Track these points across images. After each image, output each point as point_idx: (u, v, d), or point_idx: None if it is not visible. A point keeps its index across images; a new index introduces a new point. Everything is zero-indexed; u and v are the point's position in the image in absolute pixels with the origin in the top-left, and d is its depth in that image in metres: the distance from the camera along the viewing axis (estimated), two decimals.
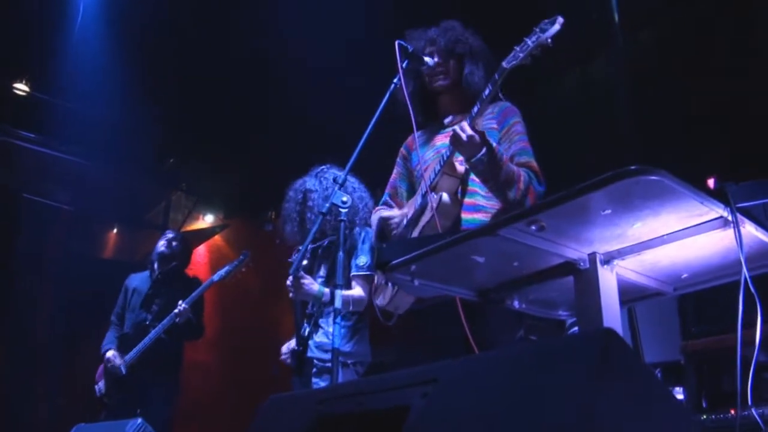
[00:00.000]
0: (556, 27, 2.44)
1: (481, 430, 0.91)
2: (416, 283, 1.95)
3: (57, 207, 7.75)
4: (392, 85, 2.86)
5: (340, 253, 2.63)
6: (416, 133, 3.04)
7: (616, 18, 5.70)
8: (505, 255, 1.83)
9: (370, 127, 2.78)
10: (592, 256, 1.82)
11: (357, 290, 3.77)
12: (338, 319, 2.54)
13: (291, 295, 3.61)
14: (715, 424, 2.83)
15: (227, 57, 6.28)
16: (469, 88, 2.92)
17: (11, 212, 7.36)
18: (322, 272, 3.92)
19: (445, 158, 2.74)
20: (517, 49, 2.53)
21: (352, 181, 3.99)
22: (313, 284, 3.62)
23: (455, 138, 2.60)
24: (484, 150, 2.59)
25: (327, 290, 3.61)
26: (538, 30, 2.48)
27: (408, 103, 2.81)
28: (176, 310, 4.95)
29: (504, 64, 2.56)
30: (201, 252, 9.28)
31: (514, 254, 1.82)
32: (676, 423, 1.03)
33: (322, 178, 4.09)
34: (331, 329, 3.81)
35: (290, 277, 3.53)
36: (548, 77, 6.20)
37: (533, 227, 1.64)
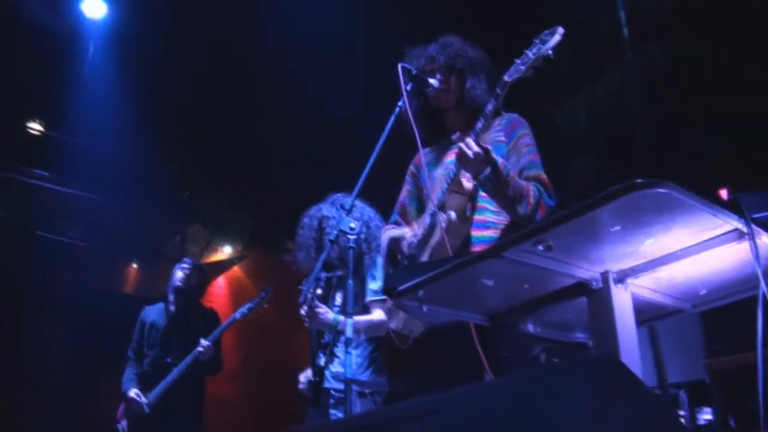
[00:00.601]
0: (557, 38, 2.41)
1: None
2: (425, 309, 1.90)
3: (70, 243, 7.77)
4: (396, 108, 2.82)
5: (350, 281, 2.59)
6: (424, 150, 3.01)
7: (626, 32, 5.67)
8: (515, 277, 1.77)
9: (375, 152, 2.75)
10: (605, 275, 1.76)
11: (376, 314, 3.72)
12: (350, 348, 2.48)
13: (306, 324, 3.57)
14: None
15: (240, 89, 6.32)
16: (472, 102, 2.88)
17: (24, 250, 7.39)
18: (338, 301, 3.87)
19: (452, 176, 2.70)
20: (518, 61, 2.50)
21: (361, 207, 3.95)
22: (328, 313, 3.58)
23: (461, 155, 2.55)
24: (490, 167, 2.54)
25: (342, 318, 3.56)
26: (538, 41, 2.45)
27: (413, 125, 2.77)
28: (199, 348, 4.91)
29: (506, 77, 2.53)
30: (221, 284, 9.28)
31: (523, 276, 1.76)
32: None
33: (338, 205, 4.06)
34: (348, 359, 3.78)
35: (305, 307, 3.49)
36: (559, 93, 6.17)
37: (540, 247, 1.58)
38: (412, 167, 3.19)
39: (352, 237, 2.65)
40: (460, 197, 2.72)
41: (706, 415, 3.49)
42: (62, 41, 5.97)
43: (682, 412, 3.48)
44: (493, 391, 1.02)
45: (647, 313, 2.08)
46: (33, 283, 7.39)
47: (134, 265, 9.16)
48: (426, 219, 2.83)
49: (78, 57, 6.09)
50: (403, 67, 2.83)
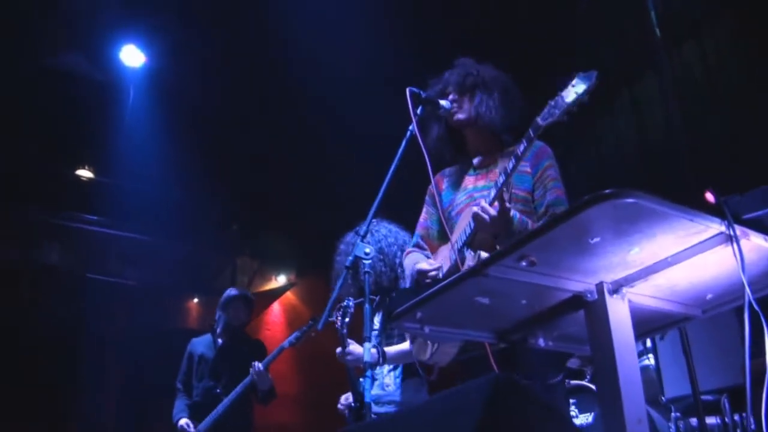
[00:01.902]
0: (593, 82, 2.36)
1: None
2: (426, 330, 1.92)
3: (122, 284, 8.01)
4: (408, 133, 2.86)
5: (366, 306, 2.62)
6: (444, 172, 3.05)
7: (658, 33, 5.59)
8: (509, 294, 1.78)
9: (388, 177, 2.78)
10: (600, 287, 1.75)
11: (407, 344, 3.74)
12: (369, 373, 2.51)
13: (340, 359, 3.64)
14: None
15: (281, 117, 6.45)
16: (483, 120, 2.89)
17: (79, 293, 7.64)
18: (377, 325, 3.91)
19: (468, 233, 2.71)
20: (552, 104, 2.42)
21: (377, 230, 3.97)
22: (358, 352, 3.64)
23: (477, 219, 2.58)
24: (507, 226, 2.56)
25: (375, 351, 3.58)
26: (573, 84, 2.37)
27: (424, 150, 2.80)
28: (253, 371, 4.99)
29: (540, 121, 2.47)
30: (276, 311, 9.41)
31: (517, 292, 1.77)
32: None
33: (374, 231, 4.09)
34: (386, 380, 3.80)
35: (338, 351, 3.57)
36: (598, 103, 6.12)
37: (523, 263, 1.60)
38: (432, 188, 3.21)
39: (367, 262, 2.69)
40: (487, 235, 2.72)
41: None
42: (104, 90, 6.23)
43: (727, 420, 3.40)
44: (407, 417, 1.04)
45: (657, 322, 2.06)
46: (88, 324, 7.62)
47: (193, 300, 9.39)
48: (451, 255, 2.83)
49: (120, 104, 6.33)
50: (411, 92, 2.87)
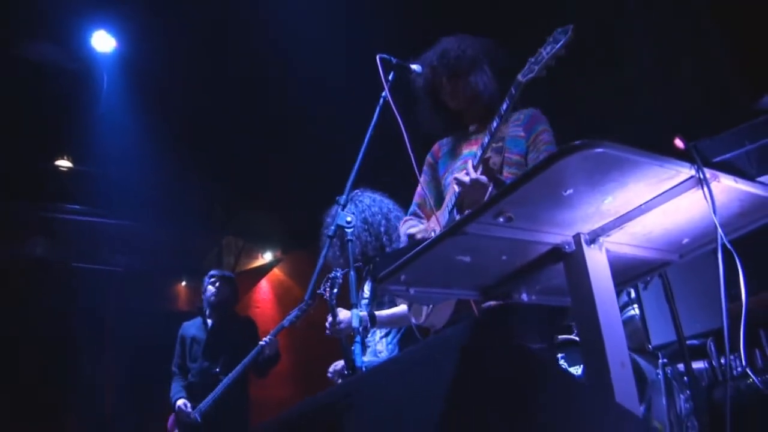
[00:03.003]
0: (569, 35, 2.39)
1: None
2: (412, 291, 1.95)
3: (111, 271, 8.01)
4: (381, 99, 2.87)
5: (352, 273, 2.65)
6: (444, 141, 3.06)
7: None
8: (490, 250, 1.81)
9: (364, 145, 2.81)
10: (577, 237, 1.79)
11: (401, 306, 3.77)
12: (358, 338, 2.55)
13: (329, 333, 3.67)
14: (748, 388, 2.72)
15: (260, 96, 6.41)
16: (479, 97, 2.92)
17: (67, 283, 7.64)
18: (366, 294, 3.94)
19: (453, 202, 2.74)
20: (532, 60, 2.46)
21: (369, 198, 3.98)
22: (349, 320, 3.66)
23: (460, 184, 2.60)
24: (491, 189, 2.58)
25: (363, 313, 3.62)
26: (551, 40, 2.41)
27: (398, 116, 2.82)
28: (264, 341, 5.01)
29: (520, 77, 2.50)
30: (264, 288, 9.45)
31: (497, 248, 1.80)
32: (569, 400, 1.00)
33: (357, 202, 4.10)
34: (379, 347, 3.84)
35: (328, 323, 3.59)
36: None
37: (501, 219, 1.62)
38: (429, 158, 3.21)
39: (349, 230, 2.72)
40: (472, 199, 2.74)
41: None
42: (77, 78, 6.16)
43: (714, 363, 3.46)
44: (389, 368, 1.08)
45: (637, 269, 2.10)
46: (78, 313, 7.63)
47: (181, 283, 9.41)
48: (444, 217, 2.87)
49: (95, 91, 6.27)
50: (381, 58, 2.88)
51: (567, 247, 1.80)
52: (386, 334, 3.86)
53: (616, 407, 1.23)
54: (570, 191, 1.55)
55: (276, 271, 9.50)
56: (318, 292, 3.63)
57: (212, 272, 5.65)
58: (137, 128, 6.36)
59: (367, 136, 2.82)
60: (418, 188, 3.24)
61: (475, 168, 2.62)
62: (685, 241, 1.97)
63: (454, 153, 3.07)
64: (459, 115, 3.11)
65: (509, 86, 2.57)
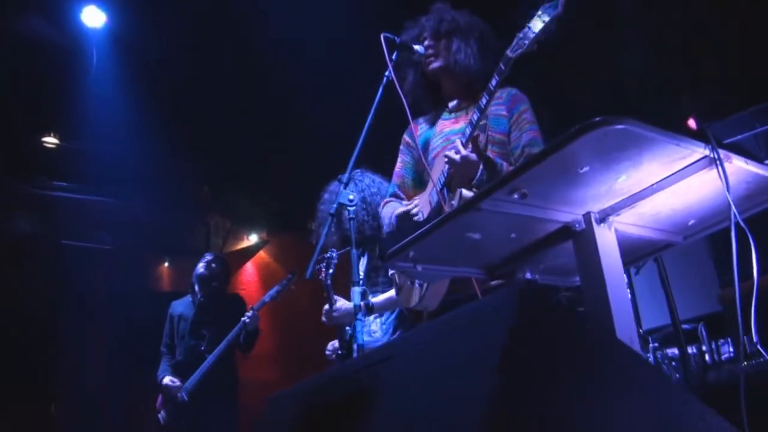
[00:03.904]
0: (559, 10, 2.39)
1: (428, 398, 0.91)
2: (419, 268, 1.95)
3: (99, 249, 7.96)
4: (384, 79, 2.87)
5: (353, 251, 2.66)
6: (419, 120, 3.04)
7: None
8: (500, 228, 1.82)
9: (366, 124, 2.80)
10: (587, 216, 1.80)
11: (393, 292, 3.78)
12: (360, 315, 2.55)
13: (325, 322, 3.68)
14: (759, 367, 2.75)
15: (251, 76, 6.36)
16: (458, 65, 2.91)
17: (54, 261, 7.58)
18: (361, 274, 3.95)
19: (442, 181, 2.74)
20: (521, 35, 2.46)
21: (361, 179, 4.00)
22: (345, 303, 3.67)
23: (451, 162, 2.60)
24: (481, 167, 2.59)
25: (361, 303, 3.63)
26: (540, 14, 2.41)
27: (401, 95, 2.82)
28: (246, 316, 5.06)
29: (509, 53, 2.50)
30: (249, 270, 9.42)
31: (507, 226, 1.81)
32: (624, 370, 1.01)
33: (357, 181, 4.11)
34: (373, 327, 3.85)
35: (325, 311, 3.61)
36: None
37: (515, 195, 1.63)
38: (406, 137, 3.22)
39: (351, 208, 2.72)
40: (462, 177, 2.74)
41: (730, 348, 3.51)
42: (66, 53, 6.07)
43: (704, 348, 3.51)
44: (434, 329, 1.08)
45: (641, 250, 2.12)
46: (66, 291, 7.58)
47: (164, 263, 9.36)
48: (433, 196, 2.87)
49: (84, 66, 6.18)
50: (385, 37, 2.87)
51: (577, 225, 1.81)
52: (380, 315, 3.87)
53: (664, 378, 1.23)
54: (586, 169, 1.56)
55: (261, 254, 9.48)
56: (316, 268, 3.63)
57: (206, 254, 5.68)
58: (126, 105, 6.28)
59: (370, 115, 2.80)
60: (396, 169, 3.23)
61: (465, 145, 2.63)
62: (691, 222, 1.98)
63: (434, 131, 3.07)
64: (436, 88, 3.11)
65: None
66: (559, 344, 0.93)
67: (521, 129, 2.87)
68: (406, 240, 1.83)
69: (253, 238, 9.36)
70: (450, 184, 2.76)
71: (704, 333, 3.38)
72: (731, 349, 3.39)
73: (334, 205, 2.72)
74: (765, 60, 4.03)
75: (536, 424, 0.81)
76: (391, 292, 3.74)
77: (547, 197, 1.68)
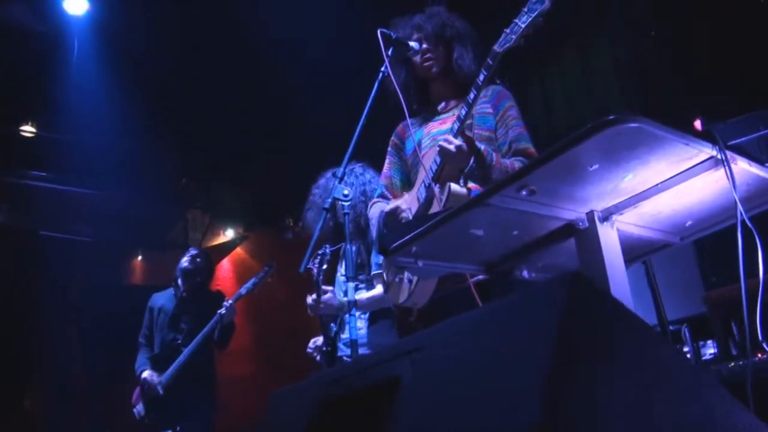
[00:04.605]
0: (546, 5, 2.41)
1: (462, 395, 0.91)
2: (420, 264, 1.95)
3: (77, 240, 7.86)
4: (380, 74, 2.87)
5: (348, 246, 2.65)
6: (408, 121, 3.04)
7: None
8: (503, 225, 1.82)
9: (362, 119, 2.79)
10: (590, 215, 1.81)
11: (378, 288, 3.77)
12: (353, 311, 2.55)
13: (310, 312, 3.66)
14: (741, 369, 2.79)
15: (233, 69, 6.33)
16: (461, 71, 2.94)
17: (32, 252, 7.48)
18: (345, 270, 3.93)
19: (434, 170, 2.74)
20: (508, 31, 2.49)
21: (362, 173, 3.98)
22: (334, 298, 3.65)
23: (443, 152, 2.61)
24: (473, 158, 2.60)
25: (346, 300, 3.61)
26: (527, 10, 2.45)
27: (398, 90, 2.82)
28: (223, 308, 5.03)
29: (496, 48, 2.53)
30: (225, 266, 9.37)
31: (511, 223, 1.81)
32: (669, 363, 1.02)
33: (357, 174, 4.08)
34: (358, 324, 3.84)
35: (310, 298, 3.59)
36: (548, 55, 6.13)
37: (524, 192, 1.63)
38: (394, 138, 3.23)
39: (346, 203, 2.71)
40: (454, 167, 2.76)
41: (710, 350, 3.55)
42: (46, 41, 5.99)
43: (686, 349, 3.55)
44: (472, 321, 1.07)
45: (638, 250, 2.13)
46: (43, 283, 7.48)
47: (140, 257, 9.27)
48: (421, 192, 2.87)
49: (64, 55, 6.10)
50: (382, 32, 2.86)
51: (580, 223, 1.82)
52: (364, 312, 3.86)
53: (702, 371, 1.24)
54: (596, 167, 1.57)
55: (237, 250, 9.43)
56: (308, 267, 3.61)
57: (191, 249, 5.63)
58: (108, 95, 6.22)
59: (366, 109, 2.80)
60: (384, 170, 3.25)
61: (455, 137, 2.65)
62: (689, 223, 2.00)
63: (422, 132, 3.08)
64: (425, 90, 3.12)
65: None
66: (608, 333, 0.93)
67: (507, 125, 2.90)
68: (411, 235, 1.83)
69: (229, 233, 9.31)
70: (439, 179, 2.77)
71: (687, 334, 3.42)
72: (713, 351, 3.43)
73: (329, 200, 2.70)
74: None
75: (589, 413, 0.81)
76: (375, 291, 3.73)
77: (554, 194, 1.69)
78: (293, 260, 6.23)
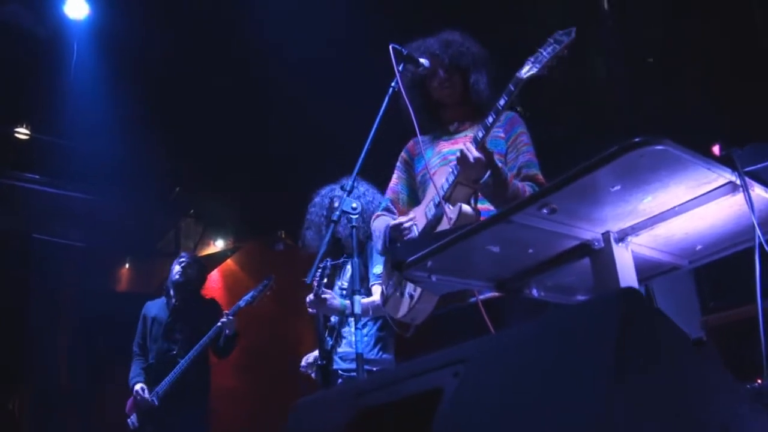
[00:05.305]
0: (572, 37, 2.45)
1: (514, 406, 0.92)
2: (434, 279, 1.96)
3: (68, 245, 7.82)
4: (390, 89, 2.89)
5: (355, 259, 2.66)
6: (420, 138, 3.07)
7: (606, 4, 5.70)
8: (520, 242, 1.84)
9: (372, 133, 2.81)
10: (606, 235, 1.82)
11: (377, 296, 3.78)
12: (359, 325, 2.55)
13: (311, 311, 3.64)
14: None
15: (225, 79, 6.33)
16: (477, 97, 2.97)
17: (23, 255, 7.42)
18: (345, 284, 3.94)
19: (451, 181, 2.76)
20: (532, 59, 2.52)
21: (365, 187, 4.00)
22: (335, 298, 3.64)
23: (462, 159, 2.63)
24: (489, 171, 2.63)
25: (348, 302, 3.63)
26: (552, 41, 2.48)
27: (408, 106, 2.84)
28: (222, 321, 5.02)
29: (520, 74, 2.55)
30: (215, 277, 9.31)
31: (528, 241, 1.83)
32: (711, 379, 1.03)
33: (363, 191, 4.10)
34: (354, 338, 3.84)
35: (311, 294, 3.57)
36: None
37: (545, 210, 1.65)
38: (404, 154, 3.25)
39: (354, 216, 2.72)
40: (466, 189, 2.78)
41: None
42: (45, 44, 5.96)
43: None
44: (521, 335, 1.08)
45: (646, 272, 2.14)
46: (34, 285, 7.42)
47: (127, 264, 9.21)
48: (430, 210, 2.89)
49: (62, 58, 6.07)
50: (393, 48, 2.89)
51: (596, 243, 1.83)
52: (363, 326, 3.86)
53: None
54: (617, 188, 1.59)
55: (228, 261, 9.39)
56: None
57: (183, 254, 5.60)
58: (105, 101, 6.19)
59: (375, 123, 2.82)
60: (391, 184, 3.26)
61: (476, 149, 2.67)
62: (699, 247, 2.03)
63: (433, 150, 3.10)
64: (438, 110, 3.16)
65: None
66: (659, 345, 0.95)
67: (518, 150, 2.96)
68: (428, 249, 1.84)
69: (219, 244, 9.26)
70: (450, 198, 2.79)
71: None
72: None
73: (337, 212, 2.71)
74: None
75: (645, 422, 0.82)
76: (373, 298, 3.74)
77: (573, 214, 1.71)
78: (283, 273, 6.24)
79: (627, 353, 0.86)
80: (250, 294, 5.16)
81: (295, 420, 1.51)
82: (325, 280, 3.67)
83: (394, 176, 3.27)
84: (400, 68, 2.90)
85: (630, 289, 0.98)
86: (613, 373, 0.82)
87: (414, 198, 3.16)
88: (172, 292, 5.38)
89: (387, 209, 3.22)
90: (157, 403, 4.97)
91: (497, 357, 1.04)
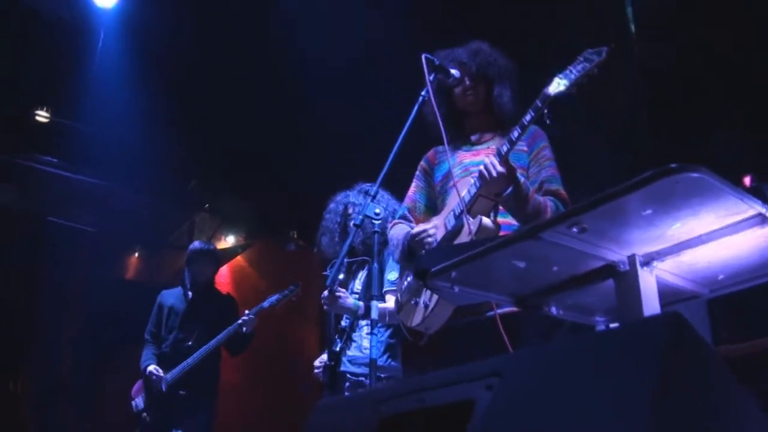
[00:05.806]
0: (603, 57, 2.45)
1: (550, 424, 0.93)
2: (456, 289, 1.97)
3: (82, 229, 7.86)
4: (420, 98, 2.90)
5: (375, 264, 2.67)
6: (441, 148, 3.08)
7: (633, 28, 5.71)
8: (546, 259, 1.84)
9: (399, 141, 2.82)
10: (632, 258, 1.83)
11: (391, 303, 3.79)
12: (375, 330, 2.56)
13: (326, 307, 3.65)
14: None
15: (248, 77, 6.36)
16: (500, 109, 2.98)
17: (36, 236, 7.47)
18: (358, 287, 3.95)
19: (472, 193, 2.77)
20: (561, 76, 2.53)
21: (385, 196, 4.02)
22: (348, 298, 3.66)
23: (486, 173, 2.64)
24: (512, 186, 2.64)
25: (362, 304, 3.65)
26: (582, 59, 2.47)
27: (438, 116, 2.85)
28: (243, 319, 5.06)
29: (548, 91, 2.55)
30: (224, 273, 9.33)
31: (554, 258, 1.83)
32: (746, 414, 1.04)
33: (364, 193, 4.13)
34: (364, 343, 3.84)
35: (326, 291, 3.58)
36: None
37: (575, 229, 1.66)
38: (423, 163, 3.27)
39: (377, 222, 2.73)
40: (487, 202, 2.79)
41: None
42: (70, 29, 6.01)
43: None
44: (560, 352, 1.09)
45: (668, 297, 2.14)
46: (45, 267, 7.47)
47: (137, 254, 9.24)
48: (449, 220, 2.90)
49: (87, 45, 6.13)
50: (426, 58, 2.91)
51: (621, 266, 1.84)
52: (372, 332, 3.86)
53: None
54: (649, 212, 1.60)
55: (238, 258, 9.40)
56: (324, 273, 3.62)
57: (197, 245, 5.59)
58: (127, 90, 6.24)
59: (404, 131, 2.84)
60: (409, 192, 3.27)
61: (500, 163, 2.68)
62: (721, 277, 2.03)
63: (454, 161, 3.11)
64: (461, 120, 3.17)
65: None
66: (702, 369, 0.95)
67: (540, 165, 2.96)
68: (454, 260, 1.85)
69: (230, 240, 9.29)
70: (471, 210, 2.80)
71: None
72: None
73: (360, 217, 2.73)
74: None
75: None
76: (387, 304, 3.74)
77: (602, 235, 1.71)
78: (292, 273, 6.25)
79: (671, 378, 0.87)
80: (276, 297, 5.19)
81: (315, 422, 1.51)
82: (341, 276, 3.69)
83: (413, 185, 3.28)
84: (431, 78, 2.91)
85: (675, 314, 0.99)
86: (656, 398, 0.83)
87: (431, 207, 3.17)
88: (188, 284, 5.41)
89: (404, 217, 3.23)
90: (165, 390, 4.99)
91: (533, 373, 1.05)
